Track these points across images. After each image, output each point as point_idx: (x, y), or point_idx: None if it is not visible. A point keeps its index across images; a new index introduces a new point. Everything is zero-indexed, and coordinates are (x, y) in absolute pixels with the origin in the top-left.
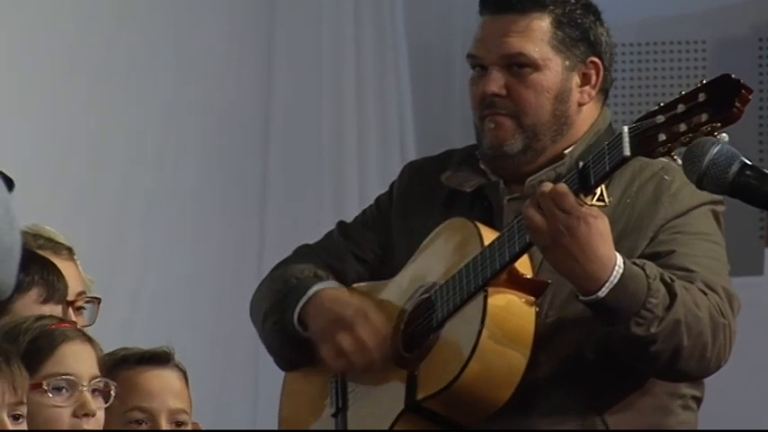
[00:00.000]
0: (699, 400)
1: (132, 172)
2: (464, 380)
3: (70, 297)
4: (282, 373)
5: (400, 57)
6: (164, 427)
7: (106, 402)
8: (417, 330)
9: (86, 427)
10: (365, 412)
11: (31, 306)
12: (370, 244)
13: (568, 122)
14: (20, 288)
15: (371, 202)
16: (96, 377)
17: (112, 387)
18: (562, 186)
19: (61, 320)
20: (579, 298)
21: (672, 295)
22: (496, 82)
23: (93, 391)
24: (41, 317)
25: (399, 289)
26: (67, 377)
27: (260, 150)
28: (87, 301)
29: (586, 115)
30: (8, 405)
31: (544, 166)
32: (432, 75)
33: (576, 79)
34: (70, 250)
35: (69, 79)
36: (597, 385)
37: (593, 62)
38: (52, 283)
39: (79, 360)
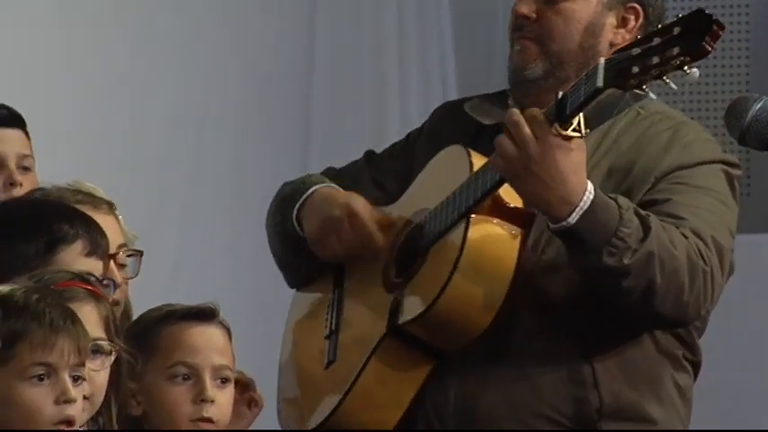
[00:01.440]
0: (694, 364)
1: (175, 130)
2: (440, 306)
3: (111, 250)
4: None
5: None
6: (208, 383)
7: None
8: (408, 255)
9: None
10: (353, 335)
11: (76, 258)
12: (392, 172)
13: (596, 58)
14: (66, 239)
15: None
16: (94, 339)
17: (114, 348)
18: (534, 111)
19: (74, 277)
20: (550, 227)
21: (645, 228)
22: (528, 5)
23: (94, 352)
24: (59, 271)
25: (397, 214)
26: None
27: (302, 103)
28: (129, 255)
29: None
30: (71, 366)
31: None
32: (474, 17)
33: (613, 20)
34: (110, 204)
35: (112, 40)
36: (587, 329)
37: (633, 8)
38: (96, 239)
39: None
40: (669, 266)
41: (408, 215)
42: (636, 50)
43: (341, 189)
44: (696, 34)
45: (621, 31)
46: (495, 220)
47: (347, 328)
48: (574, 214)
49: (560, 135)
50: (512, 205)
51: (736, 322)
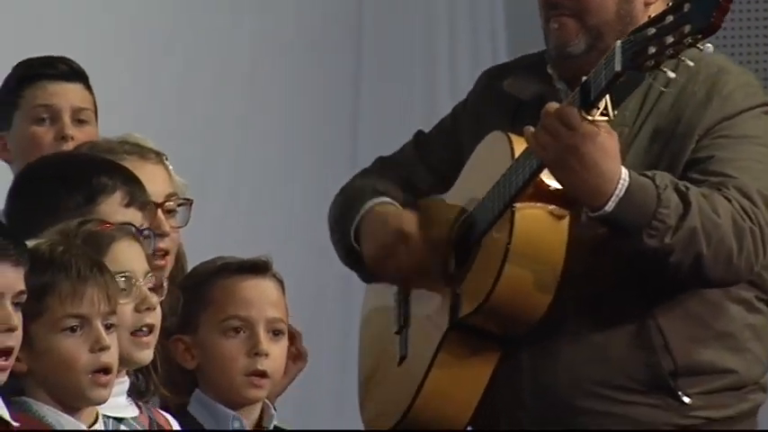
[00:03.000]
0: None
1: (225, 82)
2: (495, 297)
3: (159, 199)
4: None
5: None
6: (261, 336)
7: (160, 297)
8: (464, 247)
9: (149, 321)
10: (420, 330)
11: (116, 208)
12: (443, 153)
13: (633, 22)
14: (105, 190)
15: (463, 96)
16: (149, 272)
17: (164, 280)
18: (566, 105)
19: (103, 222)
20: (589, 215)
21: (686, 204)
22: None
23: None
24: (85, 221)
25: (451, 205)
26: (124, 274)
27: (353, 51)
28: (180, 204)
29: (653, 14)
30: (102, 315)
31: None
32: None
33: None
34: (158, 154)
35: None
36: (650, 293)
37: None
38: (134, 190)
39: (131, 257)
40: (714, 236)
41: (461, 205)
42: (651, 30)
43: (393, 203)
44: (704, 10)
45: None
46: (540, 205)
47: (414, 322)
48: (610, 202)
49: (588, 121)
50: (554, 187)
51: None
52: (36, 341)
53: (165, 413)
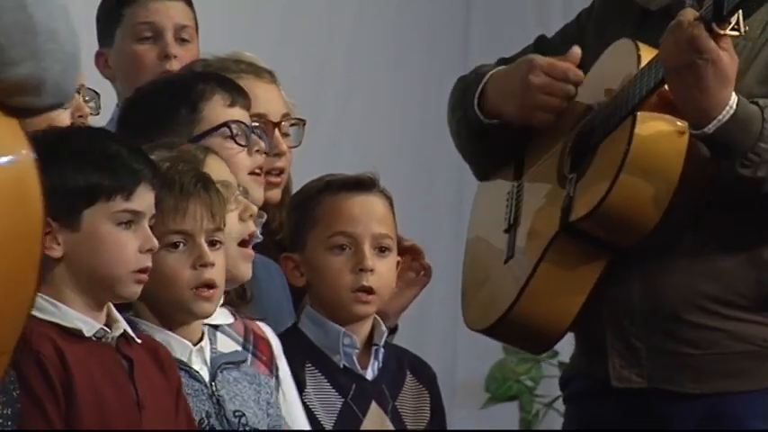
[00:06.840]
0: None
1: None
2: (609, 203)
3: (276, 118)
4: None
5: None
6: (367, 252)
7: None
8: (580, 152)
9: (253, 228)
10: (529, 231)
11: (220, 110)
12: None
13: None
14: (204, 96)
15: (574, 15)
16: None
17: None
18: (696, 24)
19: (181, 142)
20: (691, 132)
21: None
22: None
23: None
24: (170, 142)
25: (569, 109)
26: (221, 183)
27: None
28: (292, 124)
29: None
30: (206, 231)
31: None
32: None
33: None
34: (271, 74)
35: None
36: (764, 209)
37: None
38: (233, 91)
39: (222, 168)
40: None
41: (581, 110)
42: None
43: None
44: None
45: None
46: (663, 117)
47: (524, 222)
48: (710, 125)
49: (718, 35)
50: None
51: None
52: None
53: (260, 323)
